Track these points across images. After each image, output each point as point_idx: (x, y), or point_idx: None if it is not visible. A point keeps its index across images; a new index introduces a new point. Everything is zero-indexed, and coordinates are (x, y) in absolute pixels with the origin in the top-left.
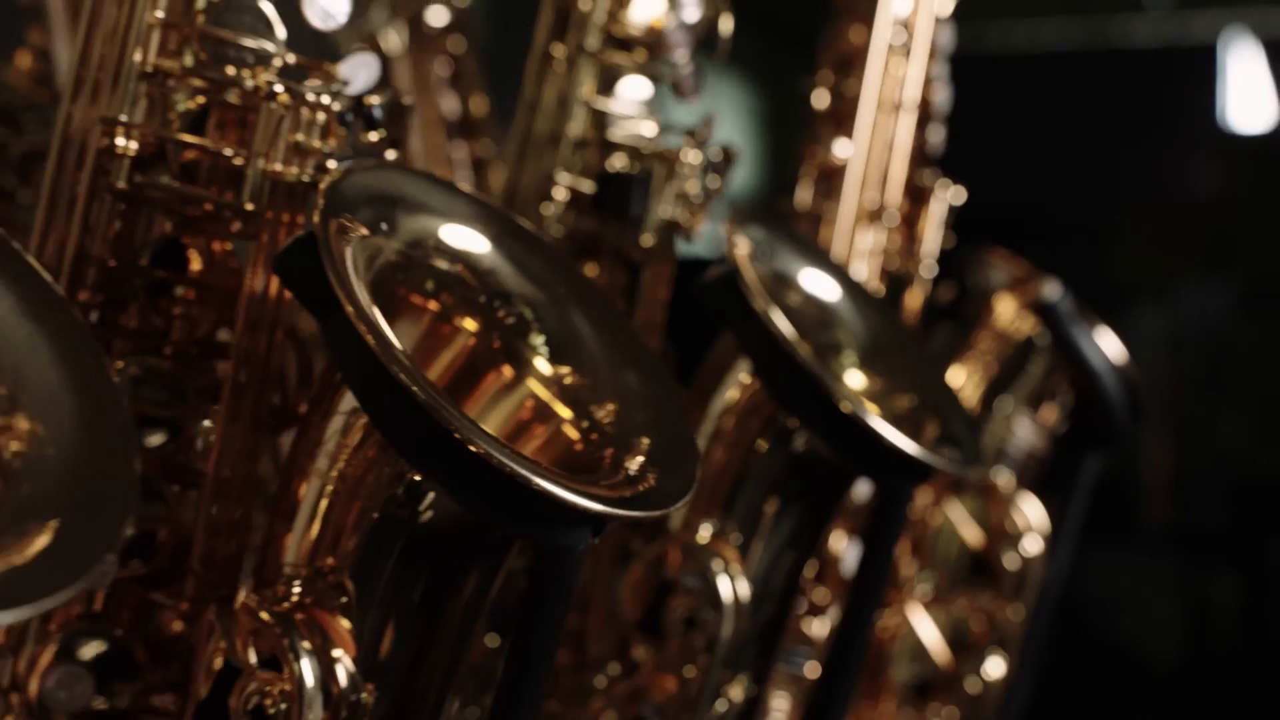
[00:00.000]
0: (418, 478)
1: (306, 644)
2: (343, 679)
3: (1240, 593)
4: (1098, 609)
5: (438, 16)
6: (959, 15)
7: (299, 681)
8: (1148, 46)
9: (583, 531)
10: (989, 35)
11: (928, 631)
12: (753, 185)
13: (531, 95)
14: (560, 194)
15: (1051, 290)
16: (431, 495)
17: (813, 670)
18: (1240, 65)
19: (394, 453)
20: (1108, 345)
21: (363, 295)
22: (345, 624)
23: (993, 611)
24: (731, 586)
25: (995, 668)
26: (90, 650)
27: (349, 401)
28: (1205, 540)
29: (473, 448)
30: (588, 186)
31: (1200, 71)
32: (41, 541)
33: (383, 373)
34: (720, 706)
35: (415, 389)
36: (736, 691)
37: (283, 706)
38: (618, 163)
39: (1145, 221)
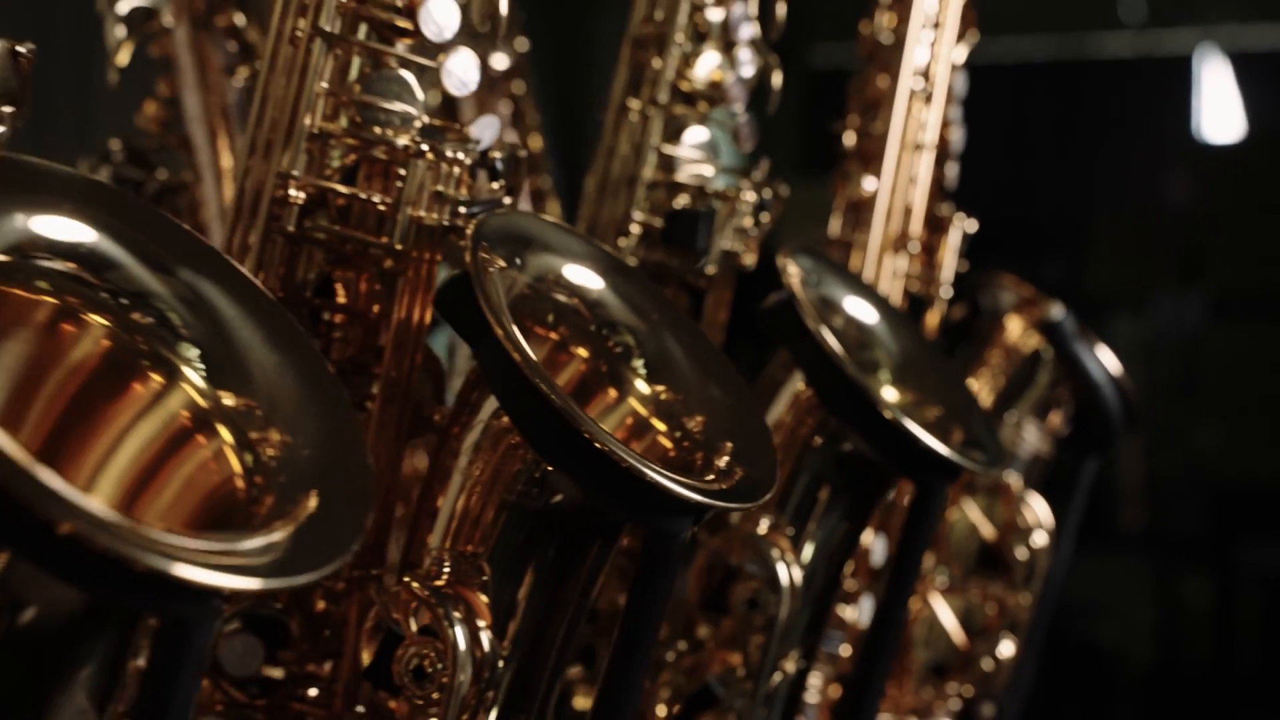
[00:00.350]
0: (542, 474)
1: (458, 614)
2: (485, 644)
3: (1212, 595)
4: (1075, 610)
5: (500, 61)
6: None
7: (453, 646)
8: (1123, 58)
9: (686, 519)
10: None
11: (946, 616)
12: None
13: (610, 143)
14: (635, 229)
15: (1056, 311)
16: (556, 489)
17: (845, 650)
18: (1213, 79)
19: (525, 453)
20: (1106, 360)
21: (509, 321)
22: (484, 599)
23: (1003, 599)
24: (788, 572)
25: (1006, 649)
26: (259, 623)
27: (487, 411)
28: (1179, 544)
29: (598, 445)
30: (658, 222)
31: (1174, 84)
32: (307, 522)
33: (527, 385)
34: (775, 678)
35: (554, 398)
36: (790, 665)
37: (440, 666)
38: (683, 201)
39: (1120, 232)
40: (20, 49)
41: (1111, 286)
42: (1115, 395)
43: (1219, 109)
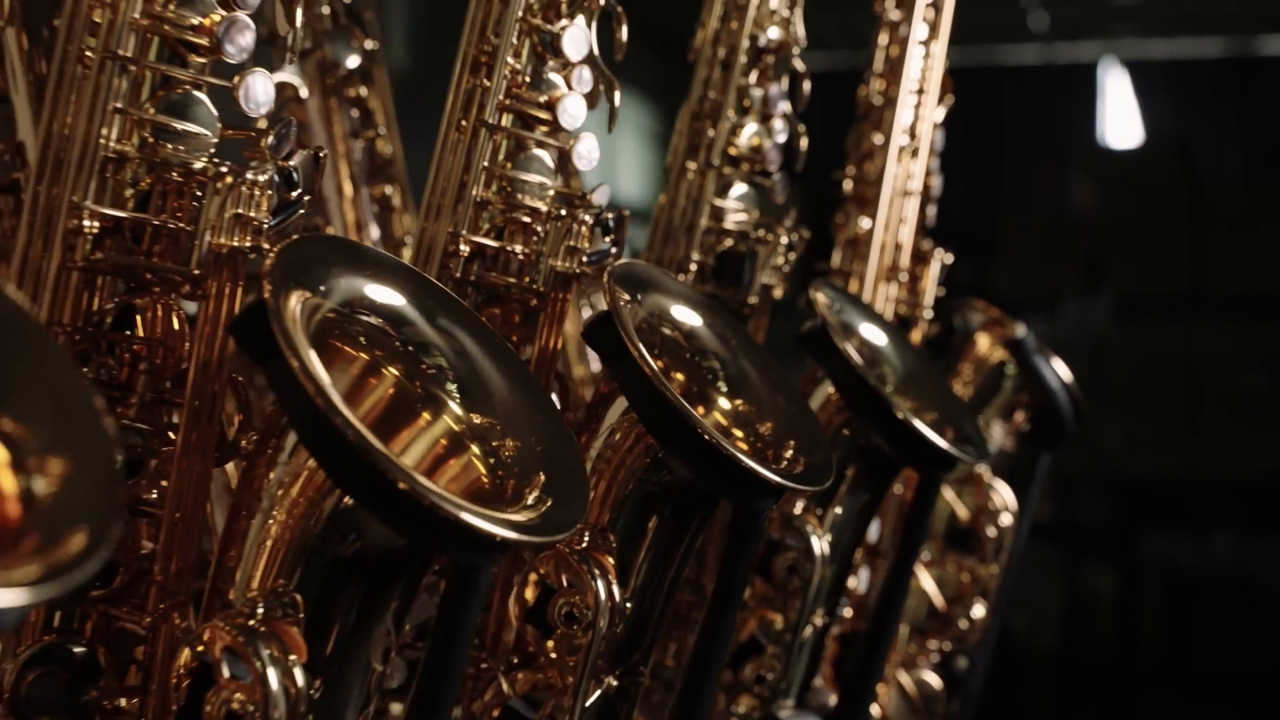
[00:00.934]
0: (657, 459)
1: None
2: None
3: (1115, 583)
4: None
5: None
6: (843, 40)
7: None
8: (1030, 64)
9: (770, 499)
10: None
11: (928, 584)
12: (646, 193)
13: (671, 195)
14: (693, 267)
15: (1019, 330)
16: (671, 470)
17: (848, 612)
18: (1114, 89)
19: (649, 442)
20: (1060, 370)
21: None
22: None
23: (975, 570)
24: (820, 544)
25: (978, 612)
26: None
27: (615, 414)
28: (1084, 535)
29: (710, 440)
30: (711, 262)
31: (1079, 93)
32: (536, 504)
33: (657, 396)
34: (807, 631)
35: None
36: (818, 620)
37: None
38: (729, 244)
39: (1027, 237)
40: (321, 155)
41: (1020, 290)
42: (1068, 400)
43: (1120, 118)
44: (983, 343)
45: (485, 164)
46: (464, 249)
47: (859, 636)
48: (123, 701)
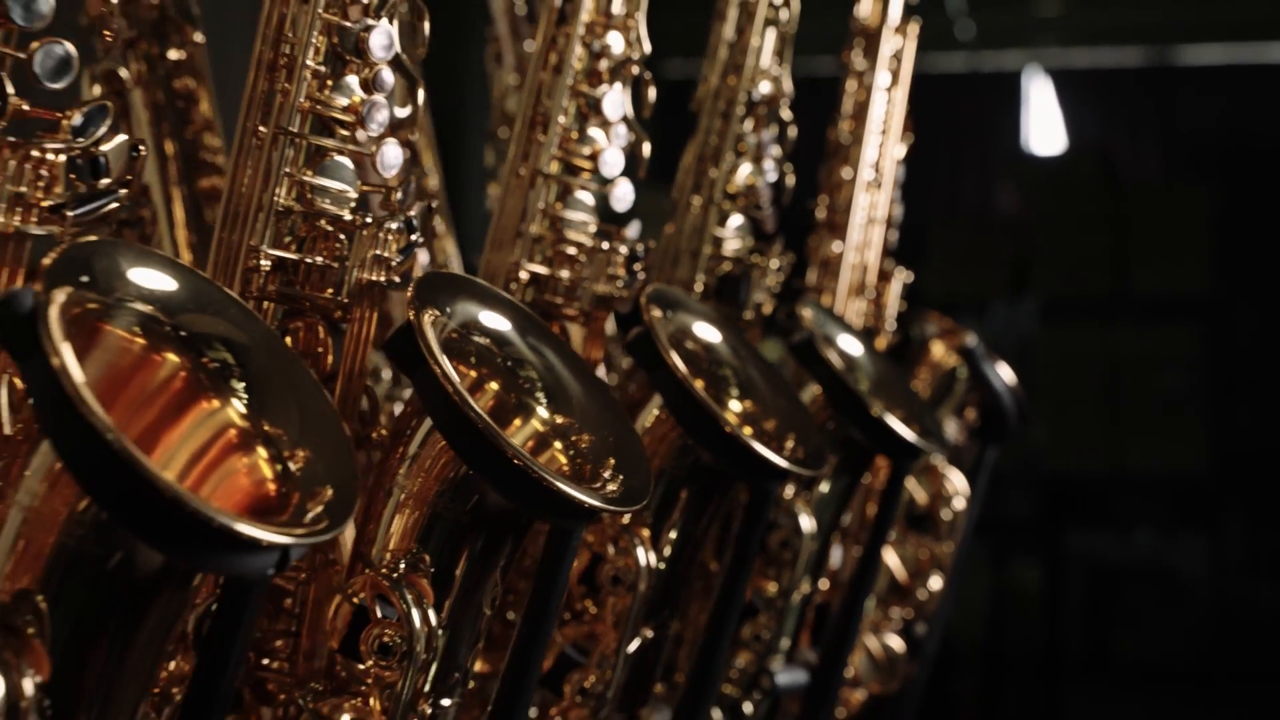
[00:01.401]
0: (690, 452)
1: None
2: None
3: (1040, 577)
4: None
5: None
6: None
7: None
8: (956, 72)
9: (778, 482)
10: (802, 64)
11: (891, 560)
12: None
13: (678, 225)
14: (698, 288)
15: (970, 339)
16: (698, 455)
17: (824, 584)
18: (1038, 96)
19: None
20: (1005, 375)
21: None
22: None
23: (933, 548)
24: (810, 522)
25: (935, 584)
26: None
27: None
28: (1010, 530)
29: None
30: (713, 282)
31: (1004, 101)
32: (611, 481)
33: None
34: (796, 597)
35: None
36: (806, 587)
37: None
38: (728, 267)
39: (954, 241)
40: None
41: (948, 293)
42: (1012, 400)
43: (1043, 124)
44: (937, 350)
45: (541, 206)
46: (524, 276)
47: (832, 606)
48: (279, 643)
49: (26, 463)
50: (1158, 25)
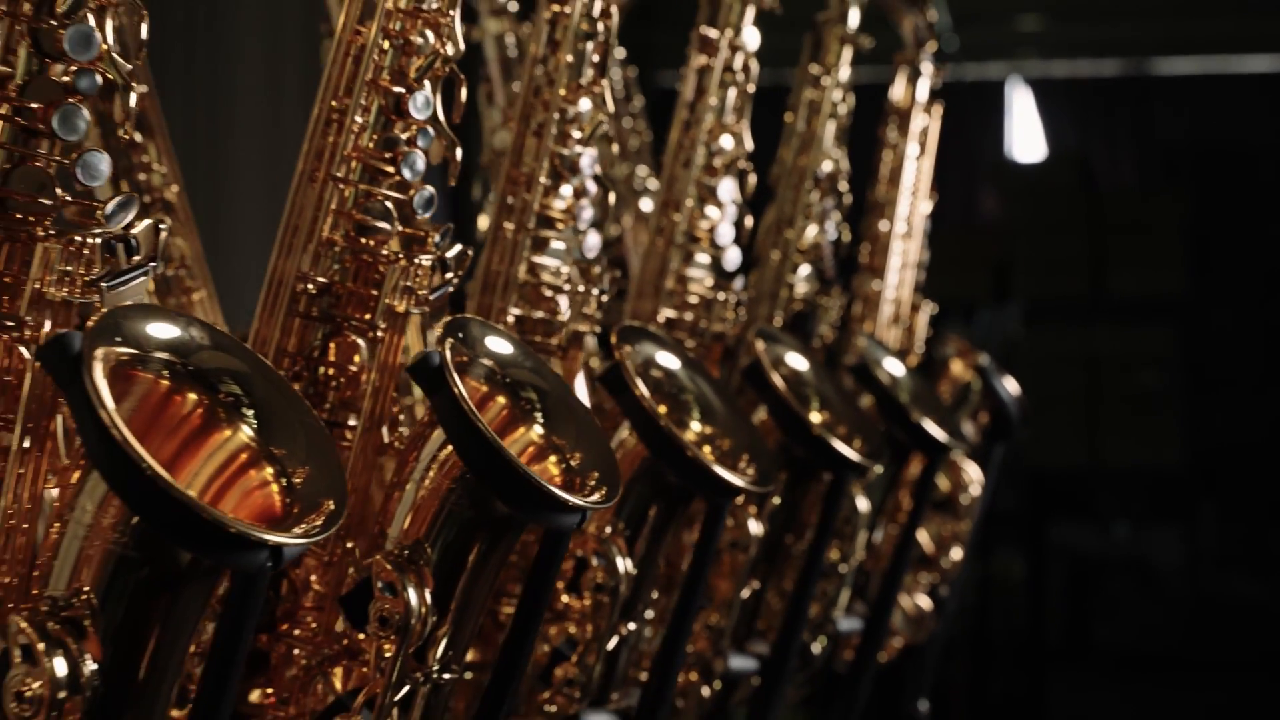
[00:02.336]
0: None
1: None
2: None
3: (1023, 568)
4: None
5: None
6: (769, 58)
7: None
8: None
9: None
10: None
11: (922, 536)
12: None
13: (760, 274)
14: (776, 322)
15: (983, 358)
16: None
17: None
18: (1019, 105)
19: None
20: (1011, 386)
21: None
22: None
23: (954, 526)
24: (865, 504)
25: (956, 555)
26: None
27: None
28: (995, 523)
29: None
30: (786, 318)
31: (987, 110)
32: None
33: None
34: (853, 563)
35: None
36: (861, 555)
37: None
38: (798, 306)
39: (940, 248)
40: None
41: (933, 296)
42: (1016, 408)
43: (1024, 133)
44: (956, 366)
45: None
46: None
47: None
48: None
49: (417, 457)
50: (1133, 39)
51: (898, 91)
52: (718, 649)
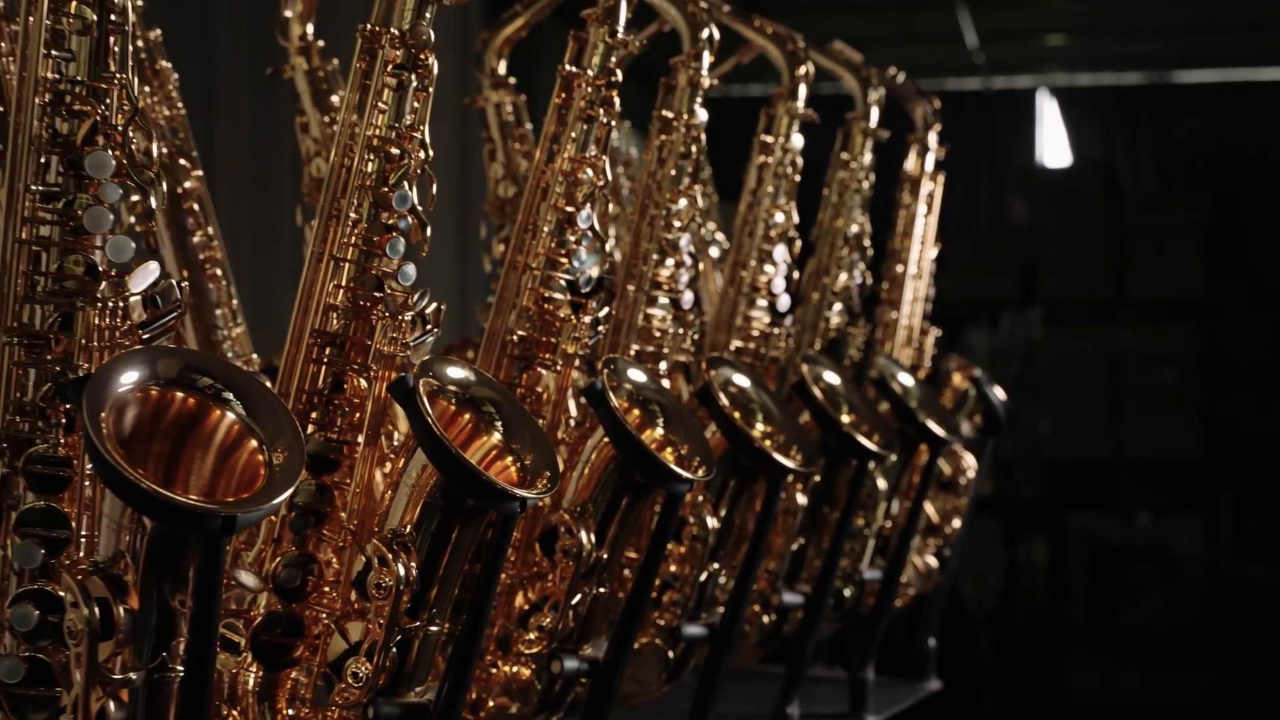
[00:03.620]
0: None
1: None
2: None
3: (1046, 553)
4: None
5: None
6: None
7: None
8: (971, 93)
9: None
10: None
11: (929, 508)
12: None
13: (804, 310)
14: (816, 346)
15: (977, 371)
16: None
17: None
18: (1048, 115)
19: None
20: (999, 394)
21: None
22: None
23: (954, 502)
24: (884, 484)
25: (955, 524)
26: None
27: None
28: (1020, 511)
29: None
30: (823, 344)
31: (1016, 119)
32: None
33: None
34: (874, 528)
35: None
36: (881, 521)
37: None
38: (833, 335)
39: (969, 251)
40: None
41: (963, 299)
42: (1003, 410)
43: (1052, 141)
44: (956, 378)
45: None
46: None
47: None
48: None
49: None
50: (1155, 55)
51: (910, 163)
52: (774, 588)
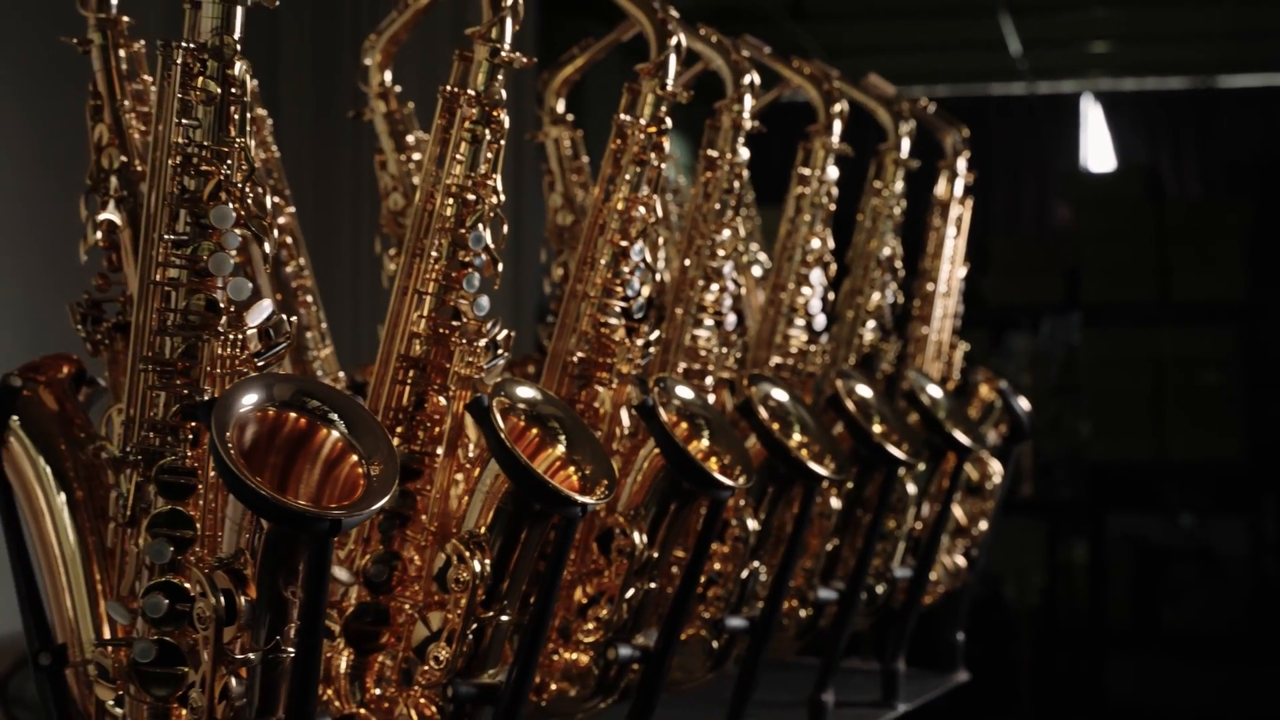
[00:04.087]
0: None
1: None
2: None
3: (1087, 553)
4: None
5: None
6: (850, 69)
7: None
8: (1016, 97)
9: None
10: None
11: (957, 511)
12: None
13: (840, 328)
14: (851, 360)
15: (1003, 384)
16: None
17: (918, 525)
18: (1093, 119)
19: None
20: (1023, 404)
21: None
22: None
23: (981, 505)
24: (914, 489)
25: (983, 525)
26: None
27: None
28: (1061, 512)
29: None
30: (857, 360)
31: (1060, 124)
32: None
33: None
34: (905, 530)
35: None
36: (911, 523)
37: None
38: (866, 350)
39: (1012, 254)
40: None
41: (1006, 302)
42: (1028, 419)
43: (1096, 146)
44: (983, 390)
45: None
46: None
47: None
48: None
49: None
50: (1199, 60)
51: (940, 188)
52: (810, 584)
